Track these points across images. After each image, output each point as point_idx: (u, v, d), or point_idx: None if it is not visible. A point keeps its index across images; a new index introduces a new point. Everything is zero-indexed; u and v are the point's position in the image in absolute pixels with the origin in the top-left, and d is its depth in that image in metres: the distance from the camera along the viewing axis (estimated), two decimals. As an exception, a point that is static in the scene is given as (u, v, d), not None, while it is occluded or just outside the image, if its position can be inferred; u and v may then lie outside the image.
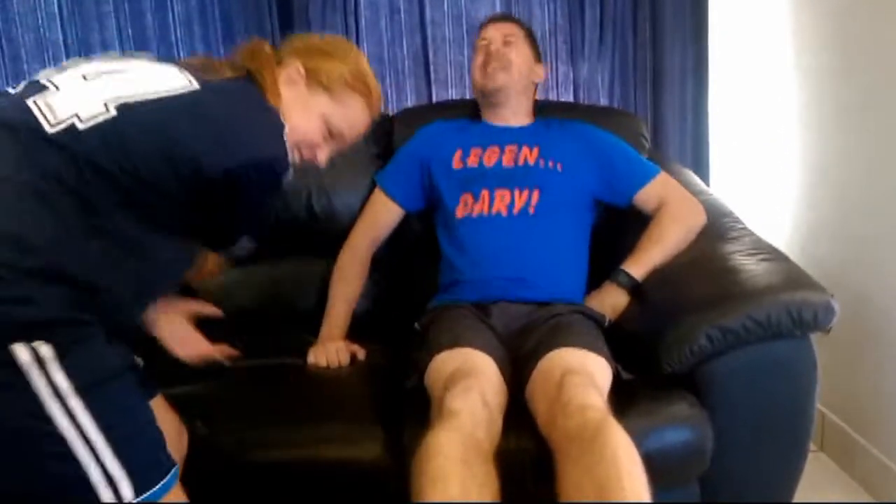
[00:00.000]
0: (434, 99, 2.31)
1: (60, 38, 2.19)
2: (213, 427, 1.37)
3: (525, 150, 1.76)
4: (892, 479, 1.78)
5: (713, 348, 1.37)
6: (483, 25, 1.87)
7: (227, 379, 1.53)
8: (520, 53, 1.80)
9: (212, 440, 1.35)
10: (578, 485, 1.08)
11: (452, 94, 2.31)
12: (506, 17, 1.91)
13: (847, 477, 1.92)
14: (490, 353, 1.40)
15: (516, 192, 1.69)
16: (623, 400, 1.34)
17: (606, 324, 1.57)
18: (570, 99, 2.33)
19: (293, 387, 1.52)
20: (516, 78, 1.80)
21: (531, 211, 1.67)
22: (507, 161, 1.75)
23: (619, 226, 1.81)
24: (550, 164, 1.73)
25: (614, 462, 1.06)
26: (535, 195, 1.69)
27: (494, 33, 1.81)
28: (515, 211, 1.67)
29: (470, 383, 1.26)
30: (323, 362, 1.56)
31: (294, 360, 1.60)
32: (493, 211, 1.68)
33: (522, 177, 1.71)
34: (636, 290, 1.60)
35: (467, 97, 2.26)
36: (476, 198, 1.70)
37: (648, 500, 1.06)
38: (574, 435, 1.13)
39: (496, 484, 1.11)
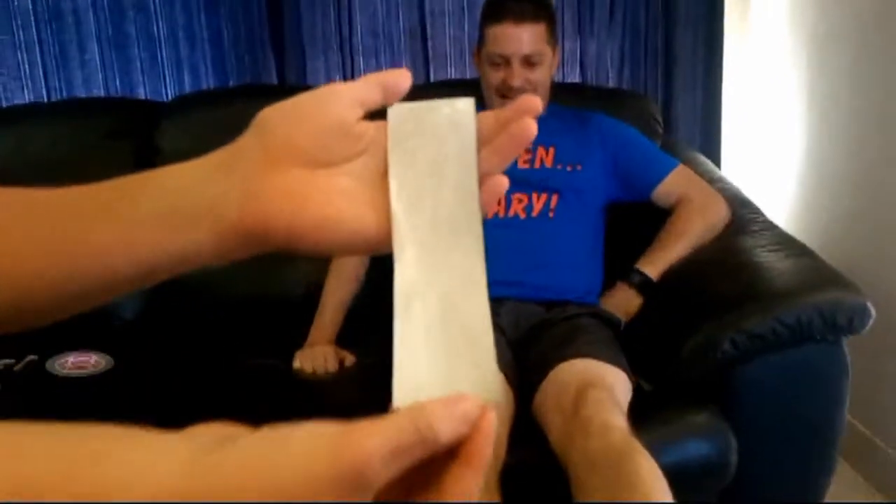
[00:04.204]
0: (432, 78, 2.18)
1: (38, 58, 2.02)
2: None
3: (541, 150, 1.64)
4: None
5: (738, 354, 1.29)
6: (498, 20, 1.57)
7: (208, 381, 1.44)
8: (543, 68, 1.60)
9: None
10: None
11: (451, 72, 2.18)
12: (523, 15, 1.56)
13: (869, 486, 1.83)
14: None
15: (534, 196, 1.59)
16: (639, 409, 1.25)
17: (622, 327, 1.48)
18: (577, 76, 2.20)
19: (277, 391, 1.41)
20: (541, 95, 1.62)
21: (551, 215, 1.58)
22: (522, 163, 1.62)
23: (636, 218, 1.69)
24: (569, 167, 1.62)
25: (644, 495, 0.98)
26: (555, 199, 1.59)
27: (514, 49, 1.55)
28: (534, 214, 1.58)
29: None
30: (309, 368, 1.46)
31: (279, 363, 1.50)
32: (510, 213, 1.58)
33: (540, 180, 1.60)
34: (652, 289, 1.50)
35: (467, 76, 2.14)
36: None
37: None
38: (596, 459, 1.05)
39: None
